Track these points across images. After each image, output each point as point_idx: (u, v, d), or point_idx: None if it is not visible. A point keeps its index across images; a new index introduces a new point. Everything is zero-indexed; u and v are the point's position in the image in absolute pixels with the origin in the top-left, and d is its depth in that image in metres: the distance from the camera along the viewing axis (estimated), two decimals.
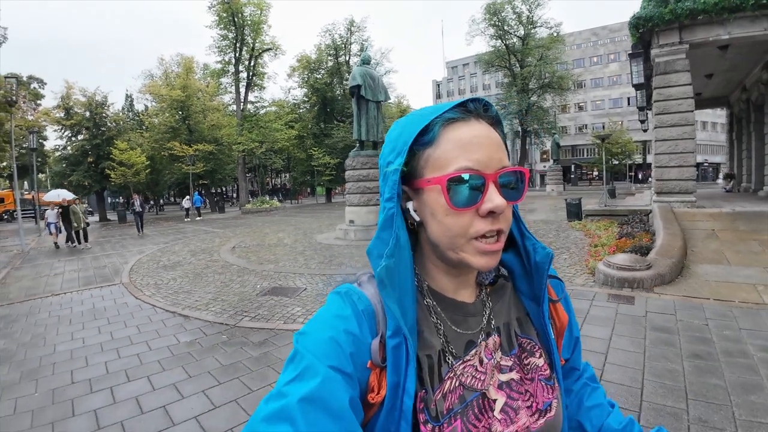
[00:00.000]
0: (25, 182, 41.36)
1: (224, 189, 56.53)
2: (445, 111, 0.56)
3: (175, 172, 31.01)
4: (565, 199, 13.61)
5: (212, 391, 3.35)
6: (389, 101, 45.22)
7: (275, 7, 41.17)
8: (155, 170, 30.70)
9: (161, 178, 34.59)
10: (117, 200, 40.12)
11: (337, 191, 45.26)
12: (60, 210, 14.52)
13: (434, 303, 0.63)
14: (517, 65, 39.33)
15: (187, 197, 26.34)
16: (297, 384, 0.49)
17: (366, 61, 11.71)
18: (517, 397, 0.62)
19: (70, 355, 4.27)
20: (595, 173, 51.56)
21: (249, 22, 31.49)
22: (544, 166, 45.66)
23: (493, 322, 0.65)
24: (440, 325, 0.61)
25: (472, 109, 0.57)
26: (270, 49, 33.17)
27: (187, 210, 25.53)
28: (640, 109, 18.09)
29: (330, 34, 38.29)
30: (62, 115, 27.50)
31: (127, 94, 46.89)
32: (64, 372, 3.87)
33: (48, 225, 14.67)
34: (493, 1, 37.59)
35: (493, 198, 0.54)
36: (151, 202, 22.16)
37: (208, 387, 3.41)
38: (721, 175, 35.26)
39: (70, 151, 28.88)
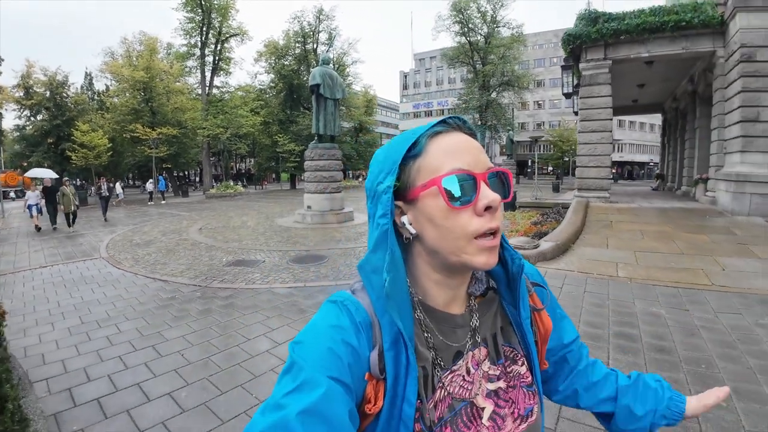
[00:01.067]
0: None
1: (186, 173, 55.97)
2: (429, 128, 0.61)
3: (137, 154, 30.99)
4: None
5: (193, 323, 4.66)
6: (356, 92, 46.36)
7: None
8: (116, 152, 30.53)
9: (122, 160, 34.41)
10: (75, 182, 39.50)
11: (301, 178, 45.75)
12: (43, 190, 13.89)
13: (424, 316, 0.64)
14: (480, 62, 41.08)
15: (150, 180, 26.57)
16: (296, 396, 0.49)
17: (326, 62, 12.91)
18: (503, 405, 0.64)
19: (74, 307, 5.41)
20: (550, 168, 54.68)
21: (216, 6, 31.56)
22: (502, 161, 48.04)
23: (479, 333, 0.67)
24: (430, 337, 0.63)
25: (452, 123, 0.63)
26: (237, 34, 33.39)
27: (151, 193, 25.83)
28: (575, 113, 20.14)
29: (299, 21, 38.67)
30: (21, 94, 27.06)
31: (86, 72, 45.54)
32: (74, 317, 5.03)
33: (29, 207, 13.81)
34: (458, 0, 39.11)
35: (488, 194, 0.57)
36: (118, 185, 21.83)
37: (190, 321, 4.71)
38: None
39: (29, 132, 28.46)
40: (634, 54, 12.56)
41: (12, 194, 31.29)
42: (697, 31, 11.88)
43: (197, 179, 52.86)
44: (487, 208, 0.57)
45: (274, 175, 50.89)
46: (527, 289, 0.73)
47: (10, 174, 32.84)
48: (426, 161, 0.60)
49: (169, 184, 31.70)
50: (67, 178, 16.68)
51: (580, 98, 13.73)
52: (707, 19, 11.59)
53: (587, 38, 12.62)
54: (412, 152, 0.61)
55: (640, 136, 57.09)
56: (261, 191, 36.44)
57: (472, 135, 0.64)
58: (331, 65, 13.24)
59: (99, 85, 43.12)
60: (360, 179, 53.12)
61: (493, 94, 40.58)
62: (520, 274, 0.69)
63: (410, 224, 0.62)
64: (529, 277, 0.77)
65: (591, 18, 12.62)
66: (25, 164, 30.82)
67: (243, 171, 57.18)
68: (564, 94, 14.99)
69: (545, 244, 7.49)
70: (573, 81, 14.88)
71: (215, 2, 31.47)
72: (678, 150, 20.57)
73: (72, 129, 26.42)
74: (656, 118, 54.68)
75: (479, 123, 40.70)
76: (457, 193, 0.57)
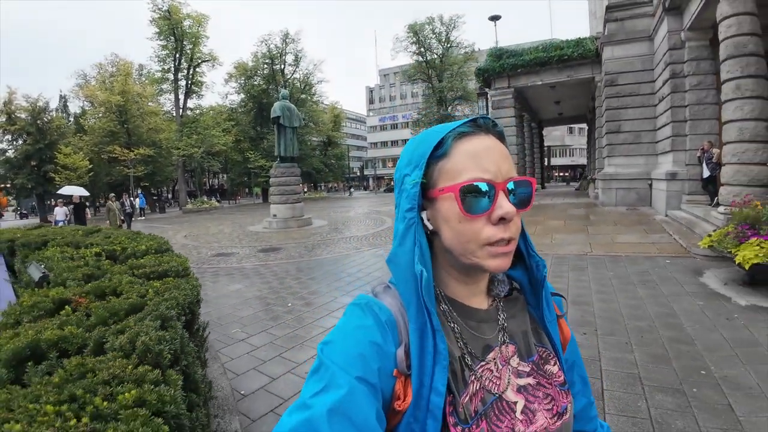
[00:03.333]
0: None
1: (160, 190, 57.40)
2: (458, 126, 0.60)
3: (114, 174, 32.81)
4: None
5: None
6: (324, 108, 49.08)
7: (213, 18, 43.37)
8: (95, 173, 32.32)
9: (100, 180, 36.12)
10: (59, 203, 40.76)
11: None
12: (72, 207, 14.32)
13: (450, 308, 0.65)
14: (436, 78, 44.44)
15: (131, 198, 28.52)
16: (323, 396, 0.50)
17: (285, 97, 15.69)
18: (533, 400, 0.64)
19: None
20: None
21: (188, 34, 33.94)
22: None
23: (507, 330, 0.67)
24: (457, 329, 0.63)
25: (481, 124, 0.62)
26: (208, 60, 35.83)
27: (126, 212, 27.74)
28: None
29: (266, 44, 41.19)
30: (3, 120, 28.71)
31: (60, 95, 46.90)
32: None
33: (56, 223, 13.47)
34: (414, 22, 42.46)
35: (503, 205, 0.57)
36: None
37: None
38: None
39: (12, 155, 30.00)
40: (531, 82, 15.81)
41: None
42: (577, 62, 15.20)
43: (170, 196, 54.27)
44: (501, 219, 0.57)
45: (246, 190, 52.92)
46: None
47: None
48: (449, 164, 0.60)
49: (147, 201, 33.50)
50: (113, 194, 17.37)
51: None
52: (585, 52, 14.90)
53: (493, 72, 15.78)
54: (438, 152, 0.60)
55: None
56: (235, 205, 38.63)
57: (500, 137, 0.63)
58: (288, 100, 15.95)
59: (73, 107, 44.80)
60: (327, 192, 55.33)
61: (449, 109, 43.91)
62: (544, 280, 0.70)
63: (428, 220, 0.63)
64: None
65: (497, 55, 15.81)
66: (8, 185, 32.24)
67: (216, 186, 58.93)
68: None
69: None
70: (485, 105, 17.90)
71: (187, 31, 33.85)
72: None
73: (54, 152, 28.24)
74: None
75: None
76: (473, 202, 0.57)
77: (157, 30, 33.04)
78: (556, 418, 0.64)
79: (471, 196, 0.57)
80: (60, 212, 14.35)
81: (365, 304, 0.63)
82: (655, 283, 5.67)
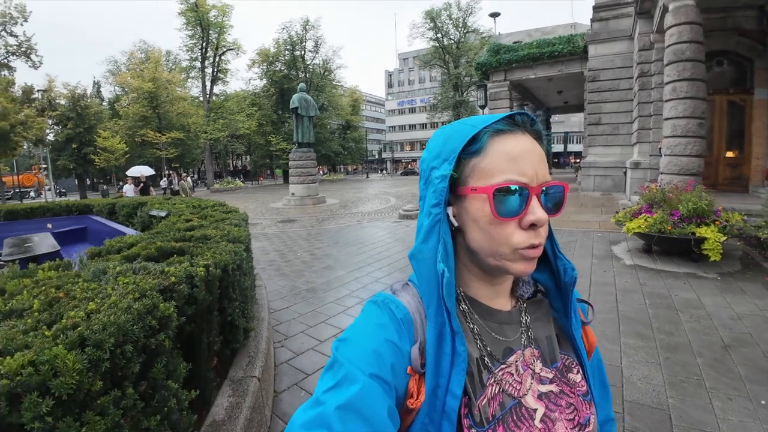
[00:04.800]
0: None
1: (188, 171, 60.55)
2: (494, 122, 0.58)
3: (148, 156, 35.53)
4: None
5: None
6: (342, 92, 50.74)
7: (237, 7, 45.34)
8: (130, 155, 35.13)
9: (133, 161, 39.01)
10: (99, 182, 44.23)
11: None
12: (141, 186, 15.17)
13: (470, 309, 0.64)
14: (452, 64, 45.46)
15: (164, 178, 31.16)
16: (335, 392, 0.50)
17: (302, 89, 17.69)
18: (554, 409, 0.62)
19: None
20: None
21: (213, 24, 36.04)
22: None
23: (531, 333, 0.66)
24: (477, 330, 0.62)
25: (519, 122, 0.59)
26: (232, 48, 37.91)
27: (164, 190, 30.36)
28: None
29: (287, 31, 42.98)
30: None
31: (94, 81, 49.98)
32: None
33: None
34: (431, 8, 43.44)
35: (536, 211, 0.56)
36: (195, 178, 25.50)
37: None
38: None
39: (55, 139, 32.86)
40: (525, 76, 17.27)
41: (32, 194, 35.79)
42: (567, 57, 16.55)
43: (196, 177, 57.28)
44: (533, 225, 0.57)
45: (269, 171, 55.34)
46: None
47: (27, 175, 37.28)
48: (483, 163, 0.57)
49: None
50: (185, 173, 19.23)
51: (489, 109, 18.36)
52: (574, 49, 16.23)
53: (491, 66, 17.29)
54: (472, 148, 0.58)
55: None
56: (257, 186, 40.99)
57: (538, 137, 0.61)
58: (305, 92, 17.90)
59: (105, 92, 47.82)
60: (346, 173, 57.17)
61: (464, 94, 44.99)
62: (573, 285, 0.67)
63: (453, 217, 0.61)
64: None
65: (494, 50, 17.29)
66: (44, 166, 35.34)
67: (240, 168, 61.67)
68: (480, 107, 19.28)
69: None
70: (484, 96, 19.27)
71: (212, 21, 35.91)
72: None
73: (93, 135, 30.97)
74: None
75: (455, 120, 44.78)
76: (505, 205, 0.55)
77: (185, 21, 35.13)
78: (577, 429, 0.62)
79: (504, 199, 0.56)
80: (129, 189, 15.69)
81: (382, 301, 0.63)
82: (574, 247, 7.45)
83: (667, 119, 9.55)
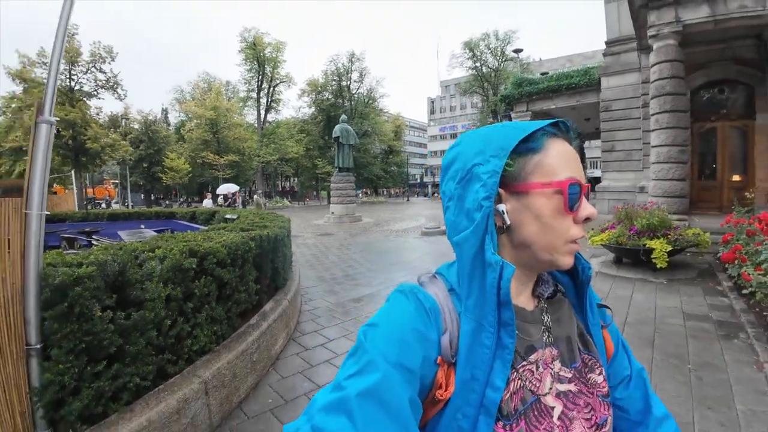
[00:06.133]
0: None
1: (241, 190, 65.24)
2: (546, 125, 0.62)
3: (206, 176, 39.44)
4: None
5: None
6: (386, 119, 53.47)
7: (289, 44, 49.69)
8: (192, 174, 39.20)
9: (195, 180, 43.22)
10: (160, 197, 49.11)
11: None
12: (227, 202, 18.67)
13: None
14: (491, 91, 46.95)
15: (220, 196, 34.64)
16: (357, 378, 0.51)
17: (344, 120, 20.25)
18: (572, 408, 0.63)
19: None
20: None
21: (269, 60, 39.94)
22: None
23: (552, 332, 0.68)
24: None
25: (562, 128, 0.64)
26: (285, 81, 41.67)
27: (221, 206, 33.76)
28: None
29: (334, 63, 46.57)
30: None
31: (162, 108, 55.82)
32: None
33: None
34: (470, 39, 45.56)
35: (588, 207, 0.61)
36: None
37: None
38: None
39: (129, 158, 37.32)
40: (546, 107, 18.73)
41: (103, 205, 40.36)
42: (584, 89, 17.88)
43: (247, 196, 61.50)
44: (586, 219, 0.61)
45: (314, 192, 58.58)
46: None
47: (99, 189, 42.01)
48: (547, 160, 0.60)
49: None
50: (260, 190, 23.30)
51: None
52: (590, 81, 17.57)
53: (514, 98, 18.93)
54: (530, 145, 0.61)
55: None
56: (303, 206, 43.80)
57: (572, 143, 0.65)
58: (347, 123, 20.45)
59: (171, 117, 53.30)
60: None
61: (502, 120, 46.09)
62: (588, 283, 0.71)
63: (506, 213, 0.61)
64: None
65: (517, 84, 18.93)
66: (115, 181, 39.86)
67: (288, 188, 65.45)
68: None
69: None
70: None
71: (268, 56, 39.82)
72: None
73: (162, 156, 35.10)
74: None
75: None
76: (572, 200, 0.59)
77: (244, 57, 39.24)
78: (594, 428, 0.64)
79: (572, 195, 0.59)
80: (207, 202, 19.02)
81: (409, 290, 0.64)
82: None
83: (653, 147, 10.80)
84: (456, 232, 0.64)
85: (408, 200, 54.64)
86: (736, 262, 5.62)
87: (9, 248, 1.87)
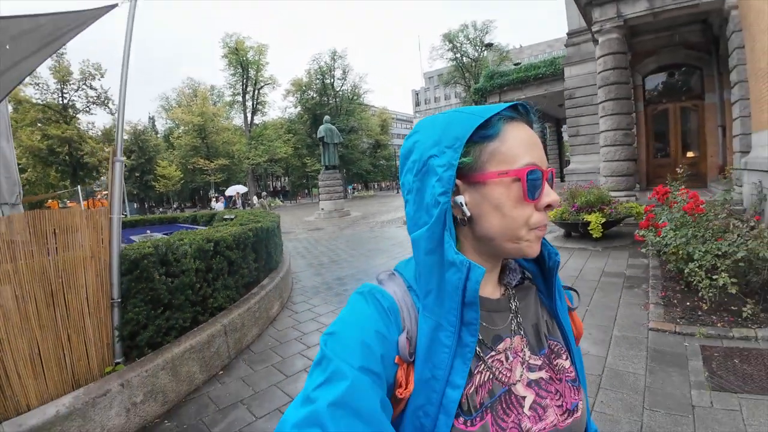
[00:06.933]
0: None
1: (261, 191, 65.95)
2: (502, 110, 0.58)
3: (198, 181, 40.35)
4: None
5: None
6: (373, 113, 54.43)
7: (271, 45, 50.21)
8: (184, 180, 40.08)
9: (186, 186, 44.10)
10: (153, 206, 49.94)
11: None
12: (233, 202, 20.00)
13: None
14: (472, 80, 47.89)
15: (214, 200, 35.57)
16: (325, 388, 0.49)
17: (327, 121, 21.36)
18: (545, 396, 0.62)
19: None
20: None
21: (252, 63, 40.77)
22: None
23: (520, 320, 0.67)
24: None
25: (521, 111, 0.61)
26: (269, 83, 42.55)
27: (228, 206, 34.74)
28: None
29: (317, 62, 47.24)
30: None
31: (149, 116, 56.38)
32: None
33: None
34: (448, 32, 46.56)
35: (550, 193, 0.59)
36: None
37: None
38: None
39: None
40: (516, 97, 19.87)
41: None
42: (551, 78, 19.06)
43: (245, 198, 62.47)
44: (548, 206, 0.59)
45: (306, 191, 59.50)
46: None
47: (92, 201, 42.61)
48: (503, 147, 0.57)
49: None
50: (264, 192, 24.43)
51: None
52: (556, 70, 18.73)
53: (486, 90, 20.10)
54: (485, 132, 0.58)
55: None
56: (295, 204, 44.87)
57: (533, 126, 0.63)
58: (330, 123, 21.58)
59: (159, 125, 53.91)
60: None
61: None
62: (556, 269, 0.70)
63: (465, 205, 0.59)
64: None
65: (489, 76, 20.09)
66: (106, 192, 40.51)
67: (279, 188, 66.29)
68: None
69: None
70: None
71: (251, 60, 40.65)
72: None
73: (153, 165, 35.98)
74: None
75: None
76: (532, 188, 0.57)
77: (227, 62, 40.05)
78: (566, 415, 0.63)
79: (532, 182, 0.57)
80: (219, 205, 20.65)
81: (368, 292, 0.63)
82: None
83: (601, 132, 12.04)
84: (416, 227, 0.61)
85: (397, 192, 55.62)
86: (649, 228, 6.87)
87: (103, 238, 3.04)
